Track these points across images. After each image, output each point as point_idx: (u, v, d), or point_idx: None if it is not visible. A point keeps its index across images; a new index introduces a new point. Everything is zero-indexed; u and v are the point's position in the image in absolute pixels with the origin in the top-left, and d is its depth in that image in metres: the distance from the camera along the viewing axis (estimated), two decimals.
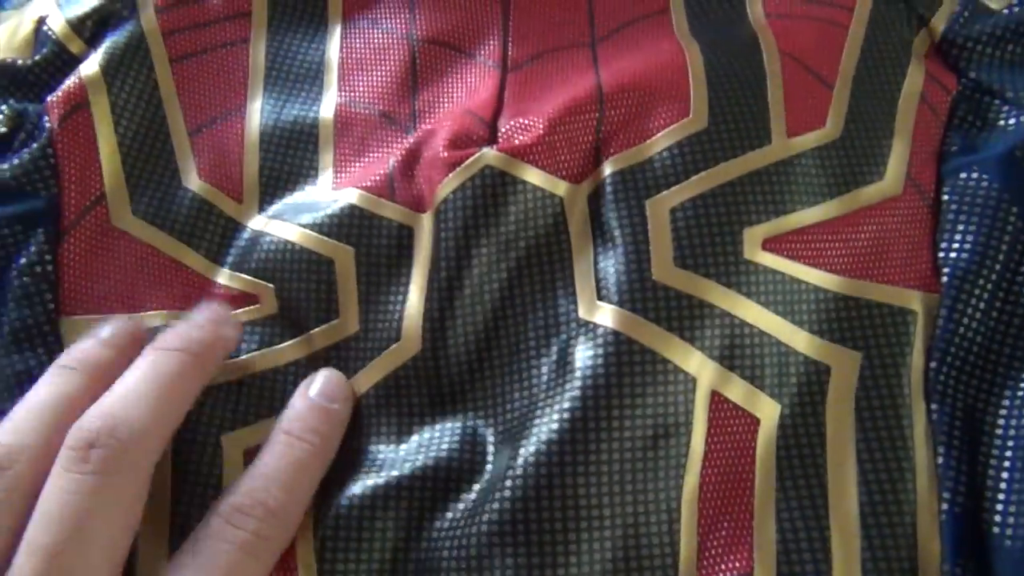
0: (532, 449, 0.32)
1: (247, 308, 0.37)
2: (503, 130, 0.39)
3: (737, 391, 0.34)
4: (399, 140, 0.41)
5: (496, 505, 0.31)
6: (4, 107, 0.41)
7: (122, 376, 0.32)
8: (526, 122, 0.39)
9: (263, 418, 0.35)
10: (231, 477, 0.34)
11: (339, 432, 0.34)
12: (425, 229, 0.38)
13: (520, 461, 0.32)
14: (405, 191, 0.39)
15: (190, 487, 0.34)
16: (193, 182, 0.40)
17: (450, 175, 0.38)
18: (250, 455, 0.34)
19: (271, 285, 0.37)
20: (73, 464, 0.29)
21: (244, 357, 0.37)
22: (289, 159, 0.41)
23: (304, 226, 0.38)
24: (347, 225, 0.38)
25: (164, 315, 0.38)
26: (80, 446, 0.29)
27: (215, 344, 0.34)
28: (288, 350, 0.37)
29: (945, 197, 0.38)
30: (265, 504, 0.31)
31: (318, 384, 0.35)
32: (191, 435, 0.35)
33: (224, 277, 0.38)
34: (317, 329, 0.37)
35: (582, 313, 0.35)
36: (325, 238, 0.38)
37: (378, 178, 0.39)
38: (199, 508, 0.33)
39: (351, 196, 0.39)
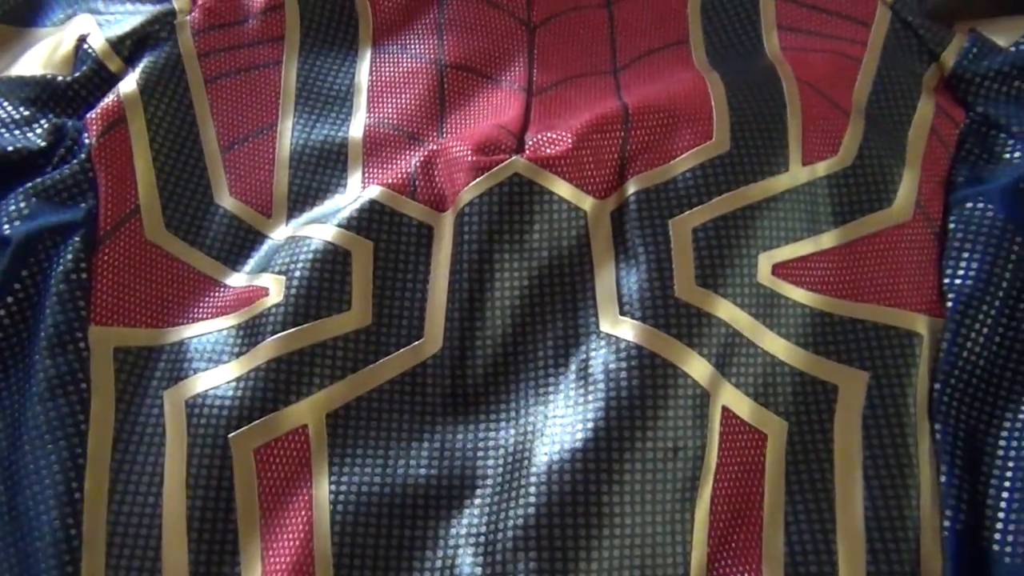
0: (556, 458, 0.33)
1: (258, 302, 0.37)
2: (531, 142, 0.40)
3: (745, 408, 0.35)
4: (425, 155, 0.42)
5: (521, 511, 0.33)
6: (44, 122, 0.43)
7: None
8: (554, 135, 0.40)
9: (268, 412, 0.35)
10: (242, 478, 0.34)
11: None
12: (446, 228, 0.39)
13: (544, 469, 0.33)
14: (426, 190, 0.40)
15: (202, 491, 0.34)
16: (225, 199, 0.42)
17: (478, 179, 0.39)
18: (259, 454, 0.34)
19: (283, 277, 0.38)
20: None
21: (246, 354, 0.36)
22: (318, 177, 0.42)
23: (326, 223, 0.39)
24: (367, 219, 0.39)
25: (191, 329, 0.38)
26: None
27: None
28: (291, 338, 0.36)
29: (951, 225, 0.39)
30: None
31: None
32: (199, 440, 0.35)
33: (243, 280, 0.39)
34: (327, 319, 0.37)
35: (604, 327, 0.36)
36: (344, 231, 0.38)
37: (400, 177, 0.40)
38: (212, 511, 0.34)
39: (373, 192, 0.40)
